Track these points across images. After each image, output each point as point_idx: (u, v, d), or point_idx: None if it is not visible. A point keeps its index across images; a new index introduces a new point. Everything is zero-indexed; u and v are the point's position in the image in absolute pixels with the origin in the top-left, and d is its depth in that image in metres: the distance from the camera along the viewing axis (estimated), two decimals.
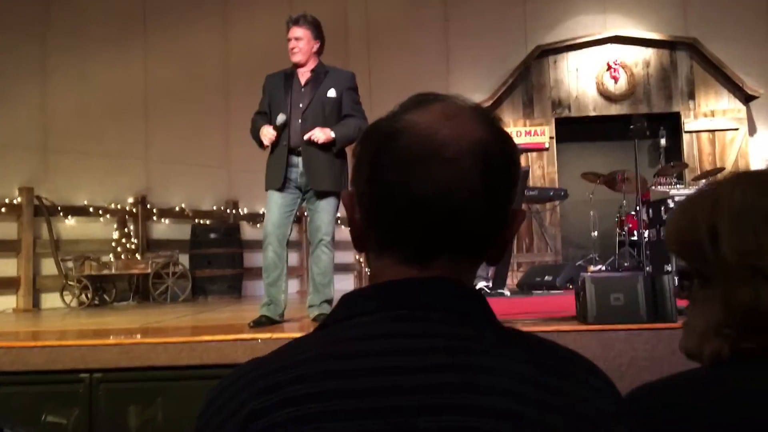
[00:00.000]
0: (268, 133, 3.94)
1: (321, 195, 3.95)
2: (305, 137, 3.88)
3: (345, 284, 8.27)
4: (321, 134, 3.86)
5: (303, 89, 4.04)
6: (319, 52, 4.11)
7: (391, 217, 0.77)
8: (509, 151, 0.79)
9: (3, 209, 6.38)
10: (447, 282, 0.76)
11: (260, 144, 4.04)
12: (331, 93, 4.02)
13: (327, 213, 3.97)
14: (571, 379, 0.70)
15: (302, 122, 3.97)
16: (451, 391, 0.66)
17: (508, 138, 0.81)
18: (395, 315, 0.74)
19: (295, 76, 4.07)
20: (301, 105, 4.00)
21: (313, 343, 0.74)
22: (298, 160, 3.98)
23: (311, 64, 4.08)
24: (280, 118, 3.95)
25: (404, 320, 0.73)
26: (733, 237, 0.92)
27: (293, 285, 8.32)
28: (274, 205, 3.96)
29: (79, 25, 7.04)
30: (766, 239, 0.90)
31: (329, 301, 3.94)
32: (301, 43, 4.01)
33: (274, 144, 4.01)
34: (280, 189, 3.96)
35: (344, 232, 8.19)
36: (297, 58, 4.03)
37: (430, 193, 0.74)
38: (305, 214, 4.27)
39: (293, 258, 8.09)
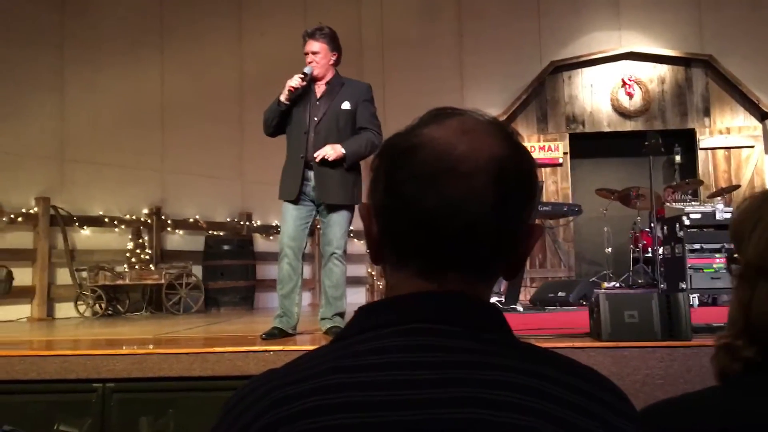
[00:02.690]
0: (295, 78, 3.95)
1: (333, 208, 3.96)
2: (316, 158, 3.88)
3: (357, 297, 8.26)
4: (332, 152, 3.85)
5: (318, 102, 4.05)
6: (336, 63, 4.12)
7: (406, 230, 0.77)
8: (526, 166, 0.79)
9: (20, 219, 6.43)
10: (462, 296, 0.76)
11: (277, 106, 4.01)
12: (346, 105, 4.02)
13: (339, 226, 3.97)
14: (589, 397, 0.70)
15: (315, 135, 3.98)
16: (467, 406, 0.66)
17: (525, 153, 0.80)
18: (410, 329, 0.74)
19: (312, 88, 4.09)
20: (315, 118, 4.01)
21: (328, 355, 0.75)
22: (311, 174, 3.99)
23: (328, 77, 4.08)
24: (307, 69, 3.97)
25: (419, 334, 0.73)
26: (761, 240, 0.94)
27: (306, 298, 8.32)
28: (290, 218, 3.97)
29: (96, 37, 7.13)
30: None
31: (341, 314, 3.94)
32: (318, 56, 4.02)
33: (288, 153, 4.03)
34: (295, 201, 3.97)
35: (356, 246, 8.21)
36: (315, 72, 4.04)
37: (444, 207, 0.74)
38: (318, 227, 4.27)
39: (306, 271, 8.08)
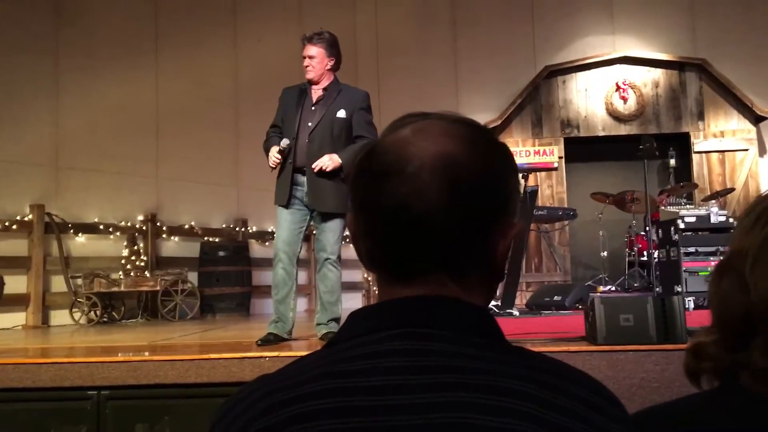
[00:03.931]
0: (272, 157, 3.94)
1: (327, 215, 3.96)
2: (314, 169, 3.87)
3: (353, 303, 8.25)
4: (329, 162, 3.85)
5: (313, 107, 4.03)
6: (334, 69, 4.10)
7: (370, 234, 0.79)
8: (485, 164, 0.78)
9: (14, 226, 6.41)
10: (442, 299, 0.76)
11: (269, 165, 4.04)
12: (341, 113, 3.99)
13: (333, 232, 3.97)
14: (581, 401, 0.70)
15: (309, 142, 3.96)
16: (459, 411, 0.66)
17: (488, 151, 0.79)
18: (400, 333, 0.74)
19: (308, 92, 4.07)
20: (309, 124, 3.99)
21: (319, 361, 0.75)
22: (302, 180, 3.98)
23: (325, 82, 4.07)
24: (284, 143, 3.94)
25: (409, 339, 0.73)
26: (735, 238, 0.94)
27: (302, 303, 8.31)
28: (285, 223, 3.97)
29: (91, 44, 7.12)
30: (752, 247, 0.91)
31: (337, 320, 3.93)
32: (314, 61, 4.01)
33: (283, 160, 4.03)
34: (287, 206, 3.97)
35: (352, 251, 8.17)
36: (310, 75, 4.03)
37: (392, 207, 0.75)
38: (314, 232, 4.26)
39: (301, 276, 8.08)
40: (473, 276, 0.79)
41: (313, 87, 4.07)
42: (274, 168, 3.99)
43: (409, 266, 0.78)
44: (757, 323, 0.88)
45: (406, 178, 0.75)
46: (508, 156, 0.82)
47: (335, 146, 3.95)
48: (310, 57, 4.02)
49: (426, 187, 0.75)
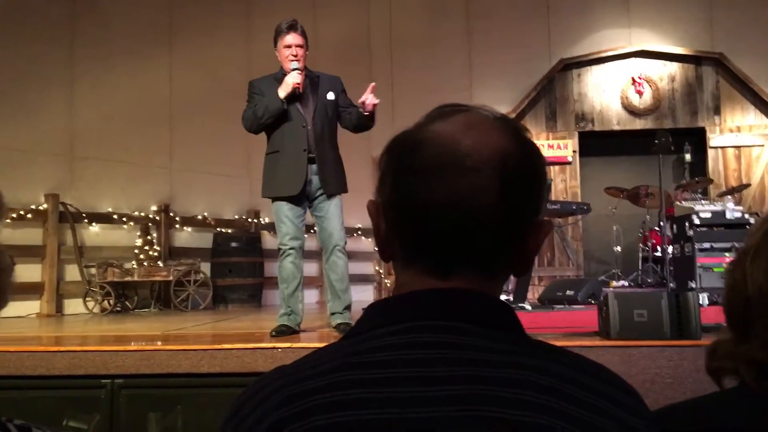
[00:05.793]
0: (293, 78, 3.92)
1: (330, 199, 3.97)
2: (371, 103, 3.90)
3: (364, 295, 8.26)
4: (376, 100, 3.93)
5: (303, 94, 4.04)
6: None
7: (412, 226, 0.78)
8: (532, 161, 0.79)
9: (29, 215, 6.46)
10: (471, 293, 0.76)
11: (281, 104, 3.95)
12: (330, 96, 4.10)
13: (337, 218, 3.99)
14: (600, 394, 0.69)
15: (312, 127, 4.00)
16: (479, 404, 0.66)
17: (532, 149, 0.80)
18: (420, 325, 0.73)
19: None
20: (308, 110, 4.04)
21: (337, 352, 0.75)
22: (310, 168, 3.99)
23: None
24: (294, 65, 3.98)
25: (430, 331, 0.73)
26: (754, 234, 0.95)
27: (314, 294, 8.33)
28: (287, 216, 3.96)
29: (106, 35, 7.14)
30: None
31: (350, 307, 3.95)
32: (301, 50, 4.06)
33: (282, 148, 4.00)
34: (296, 197, 3.95)
35: (364, 243, 8.21)
36: (300, 64, 4.04)
37: (447, 201, 0.74)
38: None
39: (313, 268, 8.09)
40: (502, 271, 0.80)
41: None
42: (299, 85, 3.95)
43: (450, 259, 0.77)
44: (753, 315, 0.88)
45: (465, 173, 0.75)
46: (542, 154, 0.83)
47: (331, 127, 4.08)
48: (299, 46, 4.05)
49: (485, 183, 0.74)
